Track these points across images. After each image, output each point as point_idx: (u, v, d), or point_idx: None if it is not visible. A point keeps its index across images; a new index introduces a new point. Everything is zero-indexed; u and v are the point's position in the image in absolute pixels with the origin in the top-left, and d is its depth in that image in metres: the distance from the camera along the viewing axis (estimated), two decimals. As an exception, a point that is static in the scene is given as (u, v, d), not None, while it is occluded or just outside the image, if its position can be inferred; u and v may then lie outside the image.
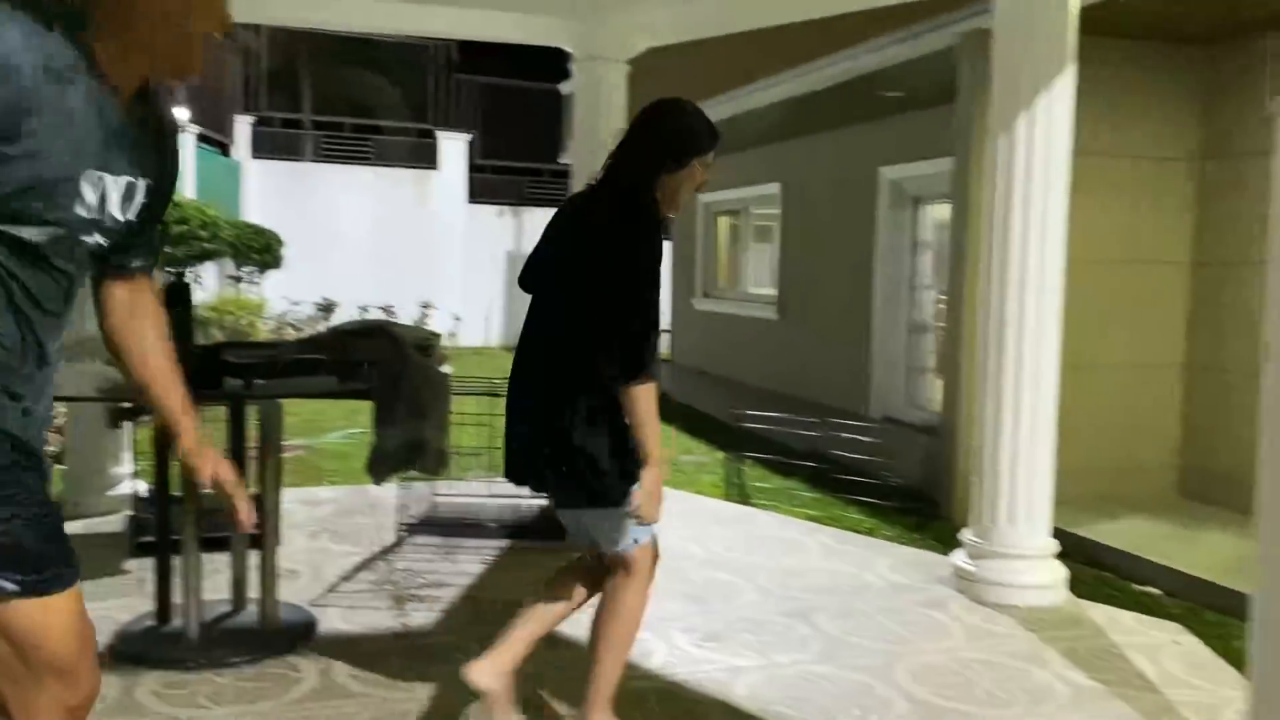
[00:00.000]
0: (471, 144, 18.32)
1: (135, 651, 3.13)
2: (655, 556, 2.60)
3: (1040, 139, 3.70)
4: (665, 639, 3.39)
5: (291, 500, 5.15)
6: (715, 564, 4.26)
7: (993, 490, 3.84)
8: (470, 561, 4.18)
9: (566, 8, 5.08)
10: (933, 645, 3.40)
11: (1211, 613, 4.02)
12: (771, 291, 11.95)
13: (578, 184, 5.43)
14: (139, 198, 1.65)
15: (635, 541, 2.49)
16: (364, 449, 3.27)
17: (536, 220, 18.14)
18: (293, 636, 3.31)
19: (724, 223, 13.92)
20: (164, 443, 3.11)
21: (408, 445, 2.98)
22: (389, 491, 4.65)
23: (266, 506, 3.29)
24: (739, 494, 6.49)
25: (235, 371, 2.92)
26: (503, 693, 2.58)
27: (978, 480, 3.90)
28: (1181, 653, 3.45)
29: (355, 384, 2.99)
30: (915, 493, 6.49)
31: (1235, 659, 3.24)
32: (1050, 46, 3.75)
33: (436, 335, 3.44)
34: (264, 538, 3.26)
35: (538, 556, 4.27)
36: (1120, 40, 5.80)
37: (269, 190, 16.71)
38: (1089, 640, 3.50)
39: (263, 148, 17.65)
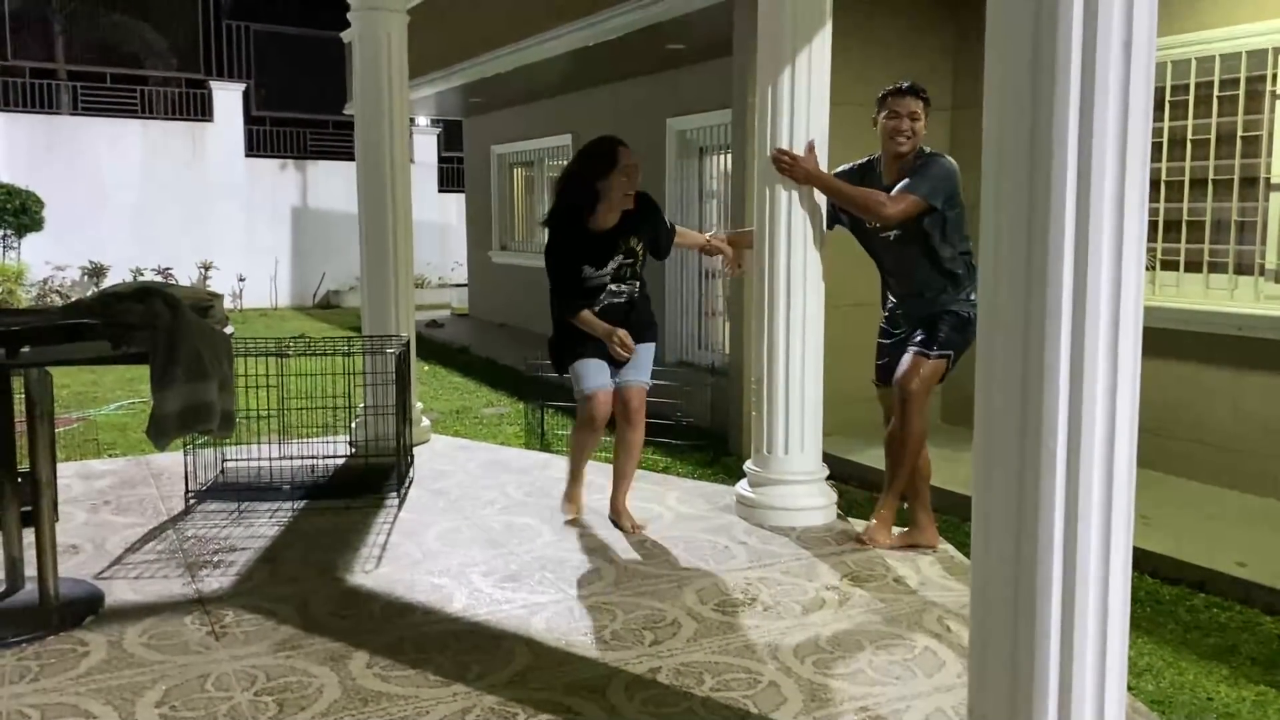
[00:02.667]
0: (248, 94, 17.42)
1: (-100, 641, 2.96)
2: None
3: (801, 91, 3.90)
4: (465, 584, 3.48)
5: (68, 475, 4.90)
6: (515, 510, 4.37)
7: (769, 422, 4.10)
8: (265, 525, 4.12)
9: (341, -46, 4.96)
10: (718, 567, 3.64)
11: (969, 524, 4.44)
12: (568, 243, 12.04)
13: (362, 137, 5.33)
14: None
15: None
16: (143, 420, 3.17)
17: (321, 174, 17.53)
18: (77, 611, 3.20)
19: (519, 175, 13.85)
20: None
21: (190, 409, 2.92)
22: (174, 460, 4.50)
23: (40, 480, 3.15)
24: (540, 442, 6.62)
25: (-5, 340, 2.77)
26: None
27: (756, 413, 4.16)
28: (940, 559, 3.82)
29: (130, 348, 2.89)
30: (707, 431, 6.81)
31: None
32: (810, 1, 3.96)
33: (216, 295, 3.36)
34: (38, 511, 3.13)
35: (334, 515, 4.26)
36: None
37: (23, 147, 15.39)
38: (857, 553, 3.83)
39: (12, 100, 16.23)
